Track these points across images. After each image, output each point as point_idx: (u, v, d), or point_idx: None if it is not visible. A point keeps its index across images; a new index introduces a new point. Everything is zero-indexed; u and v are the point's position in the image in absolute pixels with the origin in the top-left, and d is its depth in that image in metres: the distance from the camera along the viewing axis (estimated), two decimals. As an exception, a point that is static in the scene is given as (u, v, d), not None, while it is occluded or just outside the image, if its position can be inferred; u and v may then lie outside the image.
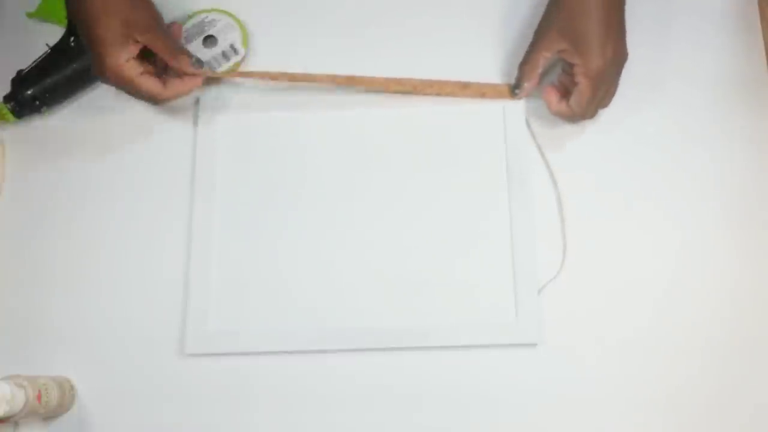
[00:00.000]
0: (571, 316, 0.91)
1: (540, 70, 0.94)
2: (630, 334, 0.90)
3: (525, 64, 0.95)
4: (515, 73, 0.97)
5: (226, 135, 0.99)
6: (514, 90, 0.96)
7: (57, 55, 0.99)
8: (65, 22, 1.01)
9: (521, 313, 0.90)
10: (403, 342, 0.90)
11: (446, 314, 0.91)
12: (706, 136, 0.96)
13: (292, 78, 0.98)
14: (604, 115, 0.96)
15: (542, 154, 0.95)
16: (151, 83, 0.91)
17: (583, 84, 0.90)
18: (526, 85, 0.95)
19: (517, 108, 0.97)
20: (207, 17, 1.02)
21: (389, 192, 0.96)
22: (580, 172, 0.95)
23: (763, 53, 0.98)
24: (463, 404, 0.89)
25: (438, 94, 0.98)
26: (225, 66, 1.00)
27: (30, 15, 1.04)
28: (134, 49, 0.90)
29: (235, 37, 1.01)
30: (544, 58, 0.92)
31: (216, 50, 1.00)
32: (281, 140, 0.98)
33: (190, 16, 1.02)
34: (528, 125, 0.96)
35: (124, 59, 0.89)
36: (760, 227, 0.93)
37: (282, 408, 0.90)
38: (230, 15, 1.02)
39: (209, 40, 1.01)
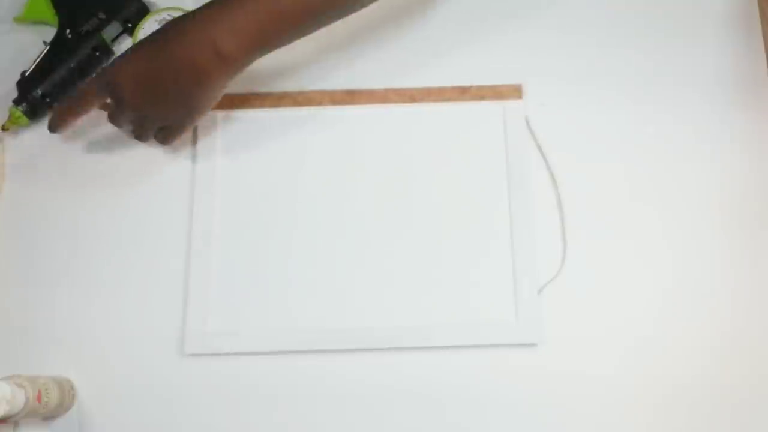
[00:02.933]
0: (571, 316, 0.91)
1: None
2: (630, 333, 0.90)
3: None
4: (514, 73, 0.98)
5: (228, 132, 0.98)
6: None
7: (57, 50, 1.00)
8: (55, 20, 1.01)
9: (521, 313, 0.90)
10: (404, 342, 0.90)
11: (446, 314, 0.91)
12: (706, 136, 0.96)
13: (293, 101, 0.99)
14: (605, 114, 0.97)
15: (542, 154, 0.95)
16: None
17: None
18: None
19: (517, 108, 0.97)
20: (168, 15, 1.01)
21: (389, 192, 0.95)
22: (580, 172, 0.95)
23: (763, 53, 0.98)
24: (464, 404, 0.89)
25: (437, 101, 0.98)
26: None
27: (18, 20, 1.03)
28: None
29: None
30: None
31: None
32: (281, 138, 0.98)
33: (151, 13, 1.02)
34: (528, 125, 0.96)
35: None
36: (760, 227, 0.93)
37: (281, 408, 0.90)
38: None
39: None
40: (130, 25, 1.02)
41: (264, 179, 0.97)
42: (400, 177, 0.96)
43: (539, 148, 0.96)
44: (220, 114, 0.99)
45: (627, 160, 0.95)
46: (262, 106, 0.99)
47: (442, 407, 0.89)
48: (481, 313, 0.91)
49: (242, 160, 0.97)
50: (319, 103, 0.98)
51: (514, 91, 0.98)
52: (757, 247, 0.92)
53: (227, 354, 0.91)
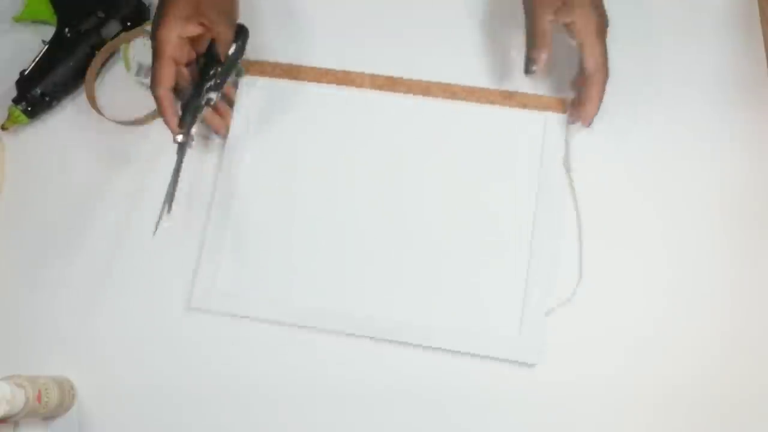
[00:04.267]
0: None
1: (550, 36, 0.90)
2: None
3: (533, 35, 0.91)
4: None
5: (264, 99, 0.99)
6: (529, 68, 0.91)
7: (56, 49, 1.00)
8: (54, 19, 1.01)
9: (525, 331, 0.89)
10: (403, 337, 0.90)
11: (451, 317, 0.91)
12: (706, 135, 0.96)
13: (334, 78, 0.99)
14: (604, 114, 0.96)
15: (569, 178, 0.94)
16: (167, 74, 0.88)
17: (588, 39, 0.88)
18: (544, 56, 0.90)
19: (558, 121, 0.96)
20: None
21: (416, 183, 0.95)
22: (580, 171, 0.95)
23: (763, 53, 0.98)
24: (454, 408, 0.89)
25: (479, 102, 0.97)
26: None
27: (17, 19, 1.04)
28: (191, 30, 0.89)
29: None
30: (548, 21, 0.89)
31: None
32: (318, 113, 0.98)
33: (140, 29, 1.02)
34: (566, 143, 0.95)
35: (175, 35, 0.88)
36: (761, 227, 0.93)
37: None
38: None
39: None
40: (129, 24, 1.02)
41: (294, 152, 0.97)
42: (429, 171, 0.95)
43: (567, 170, 0.94)
44: (261, 81, 0.99)
45: (626, 160, 0.95)
46: (303, 79, 0.99)
47: (440, 407, 0.89)
48: (484, 321, 0.90)
49: (275, 130, 0.97)
50: (360, 85, 0.98)
51: (558, 104, 0.96)
52: (758, 248, 0.92)
53: (228, 355, 0.91)
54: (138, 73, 0.99)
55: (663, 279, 0.91)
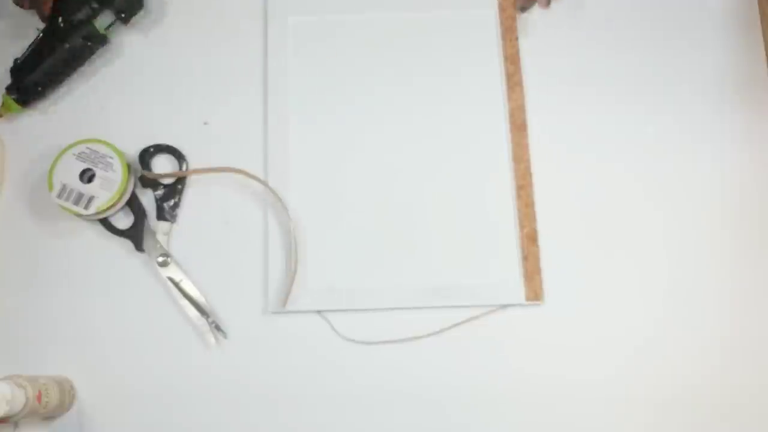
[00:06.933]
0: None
1: None
2: (629, 337, 0.91)
3: None
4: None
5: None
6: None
7: (49, 38, 0.99)
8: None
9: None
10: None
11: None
12: (706, 135, 0.96)
13: None
14: (604, 114, 0.97)
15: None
16: None
17: None
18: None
19: None
20: (87, 148, 0.95)
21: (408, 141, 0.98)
22: (580, 171, 0.95)
23: (763, 53, 0.99)
24: (464, 404, 0.89)
25: None
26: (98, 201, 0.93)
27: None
28: None
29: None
30: None
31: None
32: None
33: (69, 146, 0.95)
34: None
35: None
36: (761, 227, 0.94)
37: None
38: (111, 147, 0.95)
39: (86, 173, 0.94)
40: (123, 15, 1.01)
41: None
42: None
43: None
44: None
45: (627, 161, 0.96)
46: None
47: (440, 407, 0.90)
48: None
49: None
50: None
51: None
52: (758, 248, 0.93)
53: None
54: (60, 195, 0.93)
55: (663, 279, 0.92)
